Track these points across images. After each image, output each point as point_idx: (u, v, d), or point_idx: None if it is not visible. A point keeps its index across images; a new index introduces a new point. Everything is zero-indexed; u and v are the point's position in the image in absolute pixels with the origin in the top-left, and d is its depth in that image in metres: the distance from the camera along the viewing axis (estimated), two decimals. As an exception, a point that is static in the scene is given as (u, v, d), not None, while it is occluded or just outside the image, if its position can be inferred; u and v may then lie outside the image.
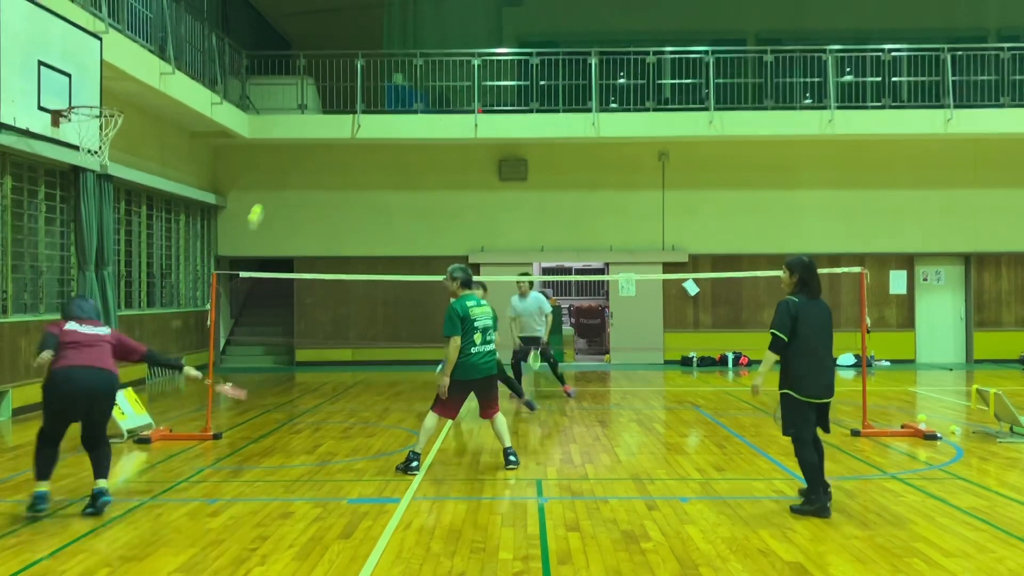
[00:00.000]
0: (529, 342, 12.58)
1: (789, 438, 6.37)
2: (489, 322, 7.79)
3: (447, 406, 7.72)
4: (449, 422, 9.60)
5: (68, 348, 6.39)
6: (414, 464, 7.66)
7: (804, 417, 6.27)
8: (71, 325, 6.57)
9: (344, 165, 18.37)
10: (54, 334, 6.47)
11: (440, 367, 7.86)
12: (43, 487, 6.36)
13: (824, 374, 6.30)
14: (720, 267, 17.90)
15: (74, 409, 6.37)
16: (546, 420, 10.82)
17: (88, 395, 6.34)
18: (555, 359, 12.66)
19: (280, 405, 12.40)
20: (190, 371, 7.12)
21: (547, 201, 18.38)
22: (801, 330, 6.24)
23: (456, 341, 7.54)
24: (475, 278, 8.30)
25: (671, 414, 11.37)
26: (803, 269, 6.42)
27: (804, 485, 6.43)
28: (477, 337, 7.64)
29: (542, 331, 12.50)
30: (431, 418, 7.74)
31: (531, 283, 13.12)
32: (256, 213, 9.87)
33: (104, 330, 6.72)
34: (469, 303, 7.72)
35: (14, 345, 11.18)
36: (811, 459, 6.24)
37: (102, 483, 6.41)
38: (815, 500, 6.20)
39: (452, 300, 7.77)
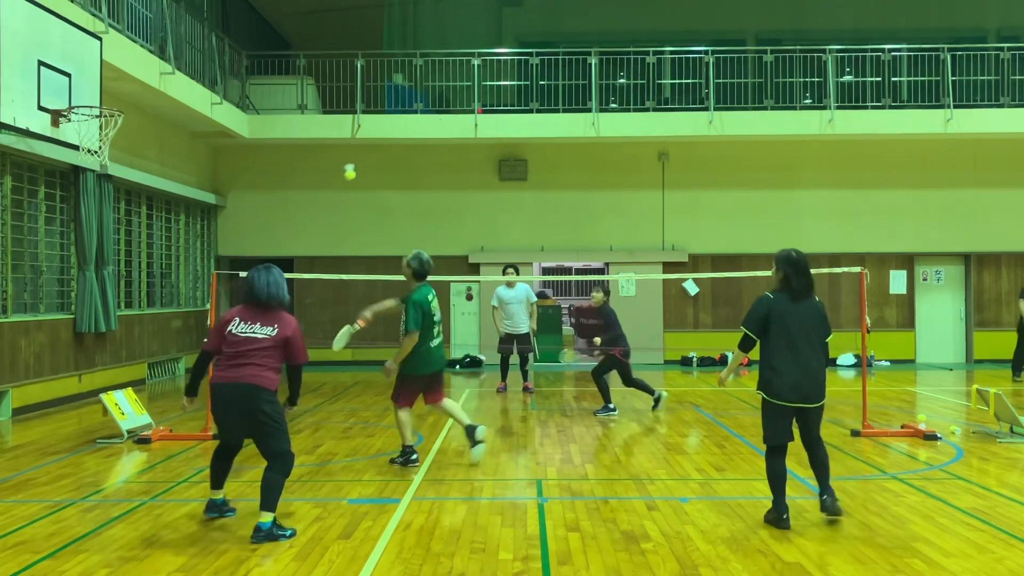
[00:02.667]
0: (519, 340, 12.54)
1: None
2: (440, 315, 7.97)
3: (407, 397, 7.84)
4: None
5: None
6: (413, 457, 7.81)
7: (774, 420, 5.95)
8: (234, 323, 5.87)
9: (344, 165, 18.31)
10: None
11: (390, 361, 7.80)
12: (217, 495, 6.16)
13: (800, 377, 5.88)
14: (720, 267, 17.90)
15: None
16: (546, 420, 10.82)
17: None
18: (531, 354, 12.94)
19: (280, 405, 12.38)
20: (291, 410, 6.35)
21: (547, 201, 18.38)
22: (775, 329, 5.94)
23: (415, 337, 7.62)
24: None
25: (671, 414, 11.37)
26: (786, 265, 6.05)
27: (825, 496, 6.07)
28: (435, 330, 7.80)
29: (526, 326, 12.53)
30: (400, 412, 7.82)
31: (516, 271, 13.23)
32: (350, 171, 10.28)
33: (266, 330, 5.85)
34: (430, 296, 7.83)
35: (14, 345, 11.18)
36: (778, 471, 5.95)
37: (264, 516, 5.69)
38: (778, 508, 5.95)
39: (413, 293, 7.77)
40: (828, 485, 6.06)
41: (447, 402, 8.06)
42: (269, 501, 5.65)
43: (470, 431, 7.95)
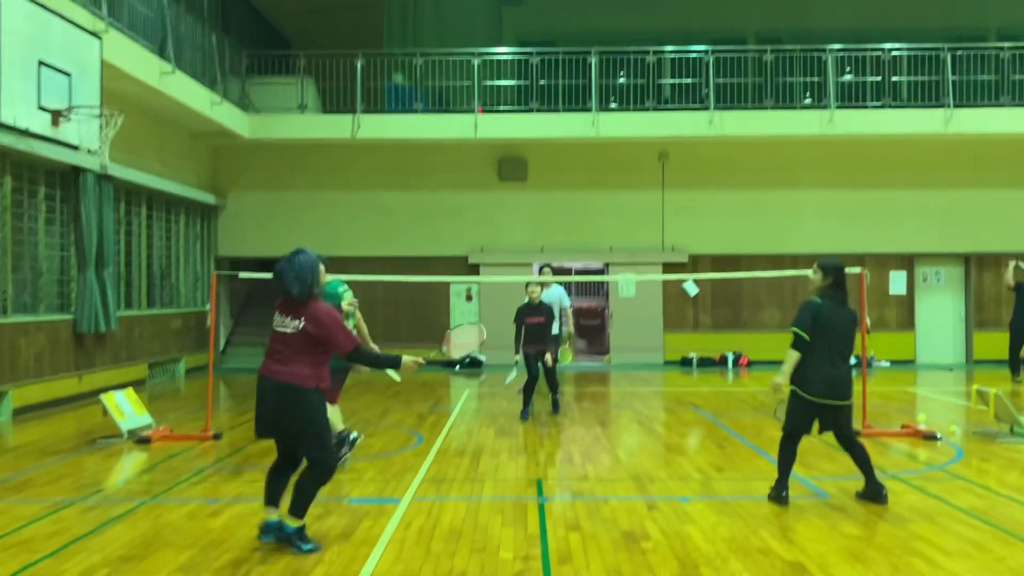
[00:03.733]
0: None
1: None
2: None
3: (330, 392, 7.72)
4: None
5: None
6: (344, 448, 7.75)
7: (803, 414, 6.43)
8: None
9: (344, 165, 18.37)
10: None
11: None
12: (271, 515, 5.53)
13: (834, 376, 6.38)
14: (720, 267, 17.91)
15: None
16: (546, 420, 10.82)
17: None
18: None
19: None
20: (408, 361, 5.55)
21: (547, 201, 18.38)
22: (819, 333, 6.35)
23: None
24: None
25: (671, 414, 11.37)
26: (837, 272, 6.56)
27: (869, 485, 6.57)
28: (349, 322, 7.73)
29: (559, 330, 11.50)
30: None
31: (552, 270, 12.17)
32: None
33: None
34: (340, 289, 7.80)
35: (14, 345, 11.18)
36: (790, 456, 6.52)
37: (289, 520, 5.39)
38: (780, 487, 6.50)
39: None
40: (875, 476, 6.54)
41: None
42: (296, 506, 5.34)
43: (341, 437, 7.88)
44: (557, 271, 20.89)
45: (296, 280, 5.35)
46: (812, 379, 6.36)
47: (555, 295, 11.83)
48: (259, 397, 5.38)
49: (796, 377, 6.43)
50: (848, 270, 10.87)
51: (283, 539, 5.39)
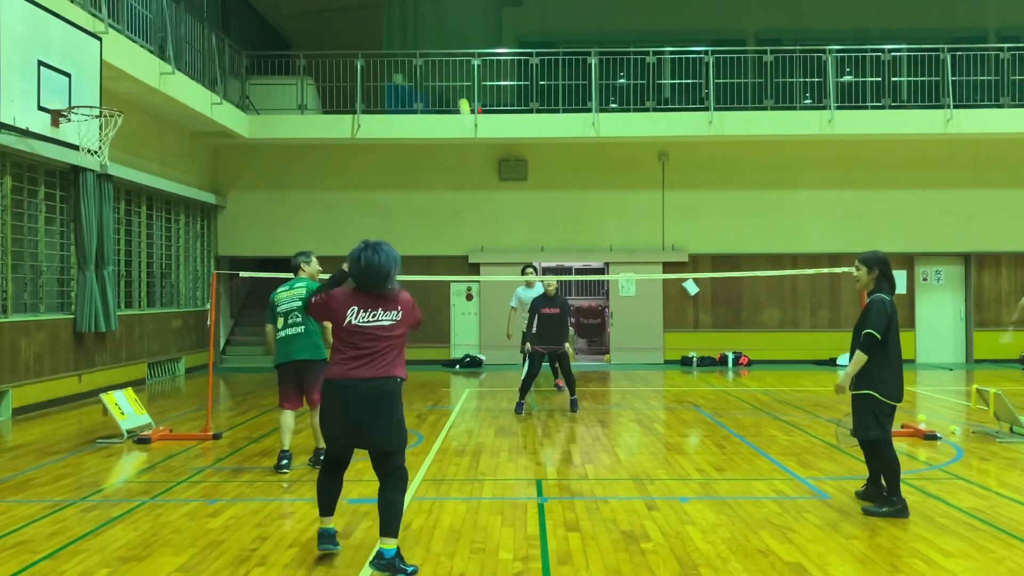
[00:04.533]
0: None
1: (870, 441, 6.31)
2: (294, 304, 7.61)
3: (280, 394, 7.76)
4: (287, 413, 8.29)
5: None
6: (284, 463, 7.67)
7: (888, 420, 6.19)
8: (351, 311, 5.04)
9: (344, 165, 18.37)
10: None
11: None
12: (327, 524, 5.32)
13: (902, 376, 6.24)
14: (720, 267, 17.91)
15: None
16: (546, 420, 10.82)
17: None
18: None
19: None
20: None
21: (547, 201, 18.39)
22: (893, 331, 6.13)
23: (268, 327, 7.72)
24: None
25: (671, 414, 11.37)
26: (882, 264, 6.30)
27: (870, 487, 6.48)
28: (279, 321, 7.63)
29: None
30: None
31: (536, 270, 12.18)
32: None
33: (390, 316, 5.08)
34: (280, 288, 7.76)
35: (14, 345, 11.18)
36: (896, 459, 6.19)
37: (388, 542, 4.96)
38: (897, 501, 6.13)
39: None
40: (880, 480, 6.47)
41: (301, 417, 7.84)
42: (393, 526, 4.92)
43: (316, 453, 7.87)
44: (557, 271, 20.94)
45: (392, 271, 5.04)
46: (890, 382, 6.12)
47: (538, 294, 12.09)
48: (353, 401, 4.94)
49: (869, 380, 6.14)
50: (848, 270, 10.94)
51: (382, 567, 4.89)
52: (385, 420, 4.96)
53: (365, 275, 4.99)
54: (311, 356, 7.56)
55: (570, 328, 11.68)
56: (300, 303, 7.55)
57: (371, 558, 5.01)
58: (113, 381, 13.11)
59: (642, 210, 18.34)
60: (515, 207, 18.38)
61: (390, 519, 4.92)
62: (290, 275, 8.11)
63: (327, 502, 5.24)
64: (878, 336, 6.09)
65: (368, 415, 4.94)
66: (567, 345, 11.21)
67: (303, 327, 7.59)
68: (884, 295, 6.23)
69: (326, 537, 5.27)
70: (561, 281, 12.07)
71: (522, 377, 11.41)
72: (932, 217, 18.23)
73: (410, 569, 4.92)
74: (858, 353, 6.17)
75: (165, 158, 15.68)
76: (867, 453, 6.50)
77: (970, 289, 18.39)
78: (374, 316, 5.01)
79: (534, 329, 11.16)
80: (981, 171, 18.19)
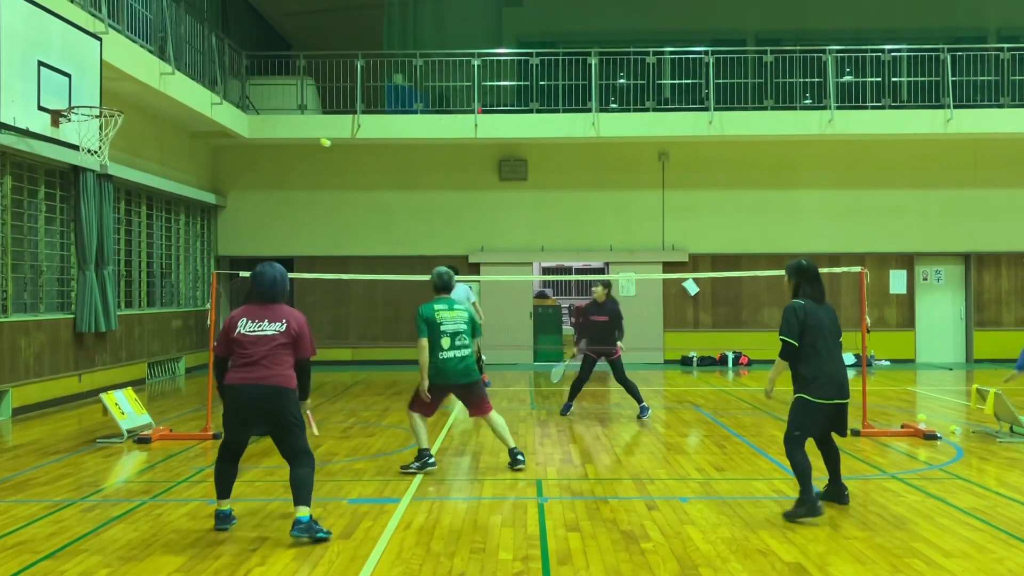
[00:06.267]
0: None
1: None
2: (461, 326, 7.63)
3: (424, 405, 7.71)
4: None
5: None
6: (431, 461, 7.66)
7: (812, 419, 6.19)
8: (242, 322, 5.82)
9: (344, 165, 18.37)
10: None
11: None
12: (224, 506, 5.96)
13: (839, 376, 6.23)
14: (720, 267, 17.90)
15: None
16: (546, 420, 10.82)
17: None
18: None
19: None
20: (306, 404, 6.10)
21: (547, 201, 18.39)
22: (809, 333, 6.17)
23: (422, 342, 7.54)
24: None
25: (671, 414, 11.37)
26: (798, 274, 6.37)
27: (831, 487, 6.49)
28: (444, 342, 7.55)
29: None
30: (412, 416, 7.75)
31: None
32: (325, 141, 12.51)
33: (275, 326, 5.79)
34: (437, 306, 7.66)
35: (14, 345, 11.18)
36: (804, 461, 6.09)
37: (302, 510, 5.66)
38: (805, 500, 6.07)
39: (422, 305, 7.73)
40: (840, 478, 6.51)
41: (492, 418, 7.83)
42: (305, 496, 5.62)
43: (512, 453, 7.83)
44: (557, 271, 20.95)
45: (279, 285, 5.93)
46: (818, 382, 6.14)
47: (462, 294, 12.18)
48: (247, 403, 5.65)
49: (800, 383, 6.22)
50: (848, 270, 10.96)
51: (302, 531, 5.54)
52: (284, 422, 5.68)
53: (258, 284, 5.90)
54: (475, 379, 7.73)
55: (623, 331, 11.16)
56: (466, 326, 7.67)
57: (291, 528, 5.60)
58: (113, 381, 13.10)
59: (642, 210, 18.34)
60: (515, 207, 18.38)
61: (301, 491, 5.62)
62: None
63: (226, 486, 5.89)
64: (790, 341, 6.18)
65: (267, 414, 5.66)
66: (619, 345, 10.82)
67: (470, 349, 7.70)
68: (799, 300, 6.29)
69: (223, 518, 5.90)
70: (561, 281, 12.06)
71: (571, 380, 11.15)
72: (932, 217, 18.23)
73: (325, 533, 5.61)
74: (776, 359, 6.31)
75: (165, 158, 15.68)
76: (823, 449, 6.47)
77: (970, 289, 18.39)
78: (260, 327, 5.76)
79: (584, 336, 10.98)
80: (981, 171, 18.19)
